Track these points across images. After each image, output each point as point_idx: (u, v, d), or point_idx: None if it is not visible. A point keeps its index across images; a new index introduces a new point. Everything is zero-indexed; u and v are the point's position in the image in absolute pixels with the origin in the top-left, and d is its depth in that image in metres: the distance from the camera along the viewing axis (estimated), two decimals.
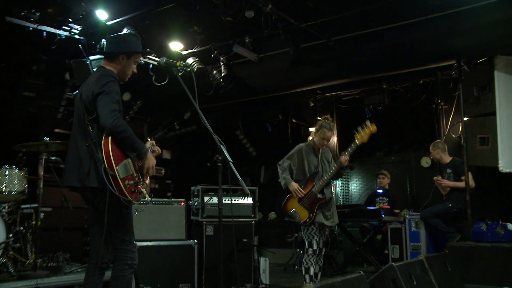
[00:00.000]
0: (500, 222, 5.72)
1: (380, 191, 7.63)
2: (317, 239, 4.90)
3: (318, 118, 8.84)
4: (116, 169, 3.00)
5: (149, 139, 3.52)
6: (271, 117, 9.13)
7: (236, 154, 9.91)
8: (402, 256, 6.61)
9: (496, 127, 6.00)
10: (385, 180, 7.62)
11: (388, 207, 7.37)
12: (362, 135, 4.87)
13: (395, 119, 8.26)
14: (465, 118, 6.53)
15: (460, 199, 6.30)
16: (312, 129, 8.94)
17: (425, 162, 7.87)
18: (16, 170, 4.80)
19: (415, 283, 3.73)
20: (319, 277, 4.95)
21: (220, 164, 2.97)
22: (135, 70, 3.40)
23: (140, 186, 3.16)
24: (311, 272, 4.90)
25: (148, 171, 3.24)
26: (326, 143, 5.08)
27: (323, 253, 4.98)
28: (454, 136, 7.49)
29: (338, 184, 8.88)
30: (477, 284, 5.26)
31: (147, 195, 3.19)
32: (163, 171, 9.25)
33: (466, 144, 6.28)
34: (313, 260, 4.89)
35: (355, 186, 8.79)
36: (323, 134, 5.02)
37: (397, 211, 7.36)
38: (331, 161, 5.17)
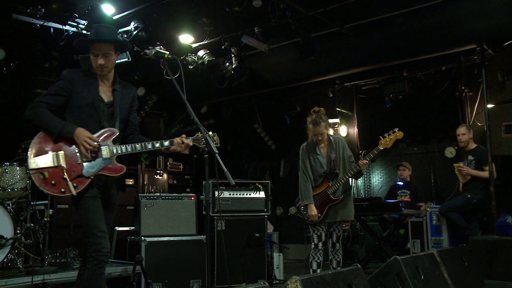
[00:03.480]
0: None
1: (401, 183, 7.35)
2: (318, 234, 4.80)
3: (337, 109, 8.70)
4: (28, 161, 3.03)
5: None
6: (289, 109, 8.94)
7: (255, 148, 9.94)
8: (423, 250, 6.34)
9: None
10: (405, 172, 7.33)
11: (409, 200, 7.08)
12: (386, 141, 4.72)
13: (417, 108, 7.94)
14: (490, 105, 6.19)
15: (479, 189, 5.95)
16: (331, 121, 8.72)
17: (450, 152, 7.51)
18: (17, 167, 4.79)
19: (422, 277, 3.51)
20: None
21: (206, 156, 2.83)
22: (100, 62, 3.19)
23: (68, 178, 3.06)
24: (314, 267, 4.80)
25: (85, 146, 3.09)
26: (320, 138, 4.82)
27: (337, 247, 4.83)
28: (479, 124, 7.12)
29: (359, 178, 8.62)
30: (499, 280, 4.98)
31: (72, 189, 3.04)
32: (181, 167, 9.22)
33: (490, 132, 5.95)
34: (315, 254, 4.79)
35: (377, 178, 8.52)
36: (312, 131, 4.82)
37: (421, 204, 7.07)
38: (346, 152, 4.92)
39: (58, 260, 5.01)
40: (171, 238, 5.33)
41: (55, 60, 6.31)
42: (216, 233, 5.51)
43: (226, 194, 5.73)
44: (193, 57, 6.83)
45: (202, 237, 5.47)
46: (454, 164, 6.21)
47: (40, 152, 3.08)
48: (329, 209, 4.76)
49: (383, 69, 7.65)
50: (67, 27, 5.63)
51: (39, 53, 6.09)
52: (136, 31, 5.89)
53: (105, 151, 3.17)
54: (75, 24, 5.63)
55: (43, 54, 6.15)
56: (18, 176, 4.85)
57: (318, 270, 4.80)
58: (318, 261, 4.80)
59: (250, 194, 5.85)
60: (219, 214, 5.54)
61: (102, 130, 3.21)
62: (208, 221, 3.36)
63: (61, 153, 3.10)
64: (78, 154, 3.13)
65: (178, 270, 5.24)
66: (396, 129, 4.75)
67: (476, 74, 7.08)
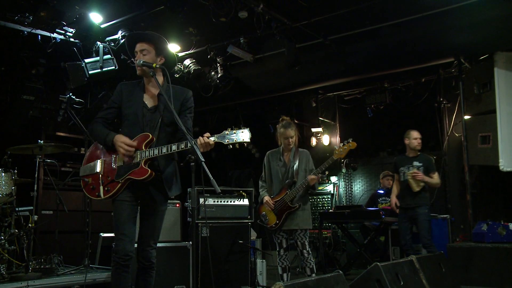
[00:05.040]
0: (502, 223, 5.60)
1: (382, 191, 7.52)
2: (278, 241, 5.03)
3: (320, 118, 8.86)
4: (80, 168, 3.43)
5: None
6: (273, 118, 9.04)
7: (239, 156, 10.02)
8: (403, 257, 6.48)
9: (496, 125, 5.89)
10: (390, 181, 7.50)
11: (389, 207, 7.24)
12: (340, 151, 4.88)
13: (397, 118, 8.15)
14: (467, 117, 6.41)
15: (427, 198, 5.83)
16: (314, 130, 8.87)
17: None
18: (3, 173, 4.80)
19: (402, 283, 3.63)
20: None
21: (193, 164, 2.91)
22: (139, 57, 3.38)
23: (103, 183, 3.30)
24: (280, 271, 5.04)
25: (120, 150, 3.26)
26: (290, 141, 4.97)
27: (305, 254, 4.90)
28: (457, 135, 7.35)
29: (341, 185, 8.79)
30: (475, 286, 5.16)
31: (101, 193, 3.30)
32: None
33: (467, 142, 6.16)
34: (279, 260, 5.05)
35: (358, 186, 8.69)
36: (281, 134, 5.00)
37: None
38: (309, 165, 5.04)
39: (42, 266, 5.01)
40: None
41: (42, 67, 6.32)
42: (200, 239, 5.58)
43: (210, 201, 5.80)
44: (179, 66, 6.93)
45: (187, 243, 5.53)
46: (408, 172, 5.88)
47: (88, 161, 3.46)
48: (287, 217, 4.89)
49: (365, 80, 7.84)
50: (54, 35, 5.68)
51: (26, 59, 6.11)
52: (123, 39, 5.97)
53: (135, 156, 3.28)
54: (63, 32, 5.69)
55: (30, 61, 6.17)
56: (3, 182, 4.85)
57: (284, 275, 5.00)
58: (283, 266, 5.02)
59: (234, 201, 5.93)
60: (204, 221, 5.60)
61: (137, 136, 3.30)
62: (194, 227, 3.44)
63: (101, 160, 3.38)
64: (113, 160, 3.34)
65: (162, 276, 5.28)
66: (350, 139, 4.89)
67: (454, 87, 7.30)
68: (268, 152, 5.26)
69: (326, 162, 4.85)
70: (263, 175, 5.23)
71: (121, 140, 3.25)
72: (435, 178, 5.80)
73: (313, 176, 4.81)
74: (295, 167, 4.98)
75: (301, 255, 4.93)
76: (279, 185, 5.02)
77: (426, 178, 5.75)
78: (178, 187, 3.49)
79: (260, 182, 5.25)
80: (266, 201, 4.98)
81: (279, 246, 5.05)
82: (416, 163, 5.89)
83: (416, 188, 5.77)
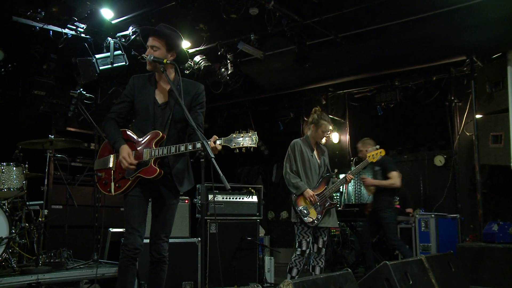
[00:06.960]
0: None
1: None
2: (308, 240, 4.63)
3: (330, 116, 8.81)
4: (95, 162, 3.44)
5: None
6: (283, 115, 9.07)
7: (248, 153, 9.97)
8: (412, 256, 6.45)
9: (509, 124, 5.82)
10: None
11: (398, 206, 7.21)
12: (373, 155, 4.95)
13: (407, 117, 8.11)
14: (478, 116, 6.36)
15: (386, 201, 5.79)
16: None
17: (439, 160, 7.69)
18: (14, 167, 4.85)
19: (411, 282, 3.62)
20: None
21: (202, 160, 2.91)
22: (149, 53, 3.32)
23: (115, 179, 3.31)
24: (293, 273, 4.64)
25: (121, 164, 3.26)
26: (326, 135, 4.92)
27: (322, 253, 4.75)
28: (468, 134, 7.30)
29: (350, 183, 8.75)
30: (485, 287, 5.12)
31: (112, 189, 3.33)
32: None
33: (478, 142, 6.11)
34: (300, 262, 4.65)
35: None
36: (324, 127, 4.76)
37: (409, 210, 7.22)
38: (327, 161, 4.95)
39: (52, 260, 5.05)
40: None
41: (53, 62, 6.37)
42: (209, 236, 5.59)
43: (219, 197, 5.79)
44: (189, 62, 6.94)
45: (195, 239, 5.54)
46: (360, 177, 5.92)
47: (101, 155, 3.49)
48: (325, 213, 4.66)
49: (376, 78, 7.80)
50: (66, 30, 5.72)
51: (38, 55, 6.15)
52: (134, 35, 5.99)
53: (145, 154, 3.27)
54: (74, 27, 5.73)
55: (42, 56, 6.21)
56: (15, 176, 4.90)
57: (296, 277, 4.62)
58: (299, 268, 4.67)
59: (243, 198, 5.93)
60: (213, 217, 5.60)
61: (148, 133, 3.30)
62: (202, 224, 3.45)
63: (113, 155, 3.39)
64: None
65: (170, 272, 5.19)
66: (377, 146, 5.06)
67: (465, 85, 7.26)
68: (297, 140, 4.82)
69: (361, 164, 4.94)
70: (293, 165, 4.73)
71: (123, 156, 3.23)
72: (392, 178, 5.71)
73: (352, 176, 4.83)
74: (327, 161, 4.90)
75: (318, 253, 4.71)
76: (316, 179, 4.74)
77: (374, 182, 5.80)
78: (190, 182, 3.47)
79: (290, 172, 4.72)
80: (312, 195, 4.59)
81: (306, 246, 4.62)
82: (376, 168, 5.93)
83: (369, 192, 5.90)
